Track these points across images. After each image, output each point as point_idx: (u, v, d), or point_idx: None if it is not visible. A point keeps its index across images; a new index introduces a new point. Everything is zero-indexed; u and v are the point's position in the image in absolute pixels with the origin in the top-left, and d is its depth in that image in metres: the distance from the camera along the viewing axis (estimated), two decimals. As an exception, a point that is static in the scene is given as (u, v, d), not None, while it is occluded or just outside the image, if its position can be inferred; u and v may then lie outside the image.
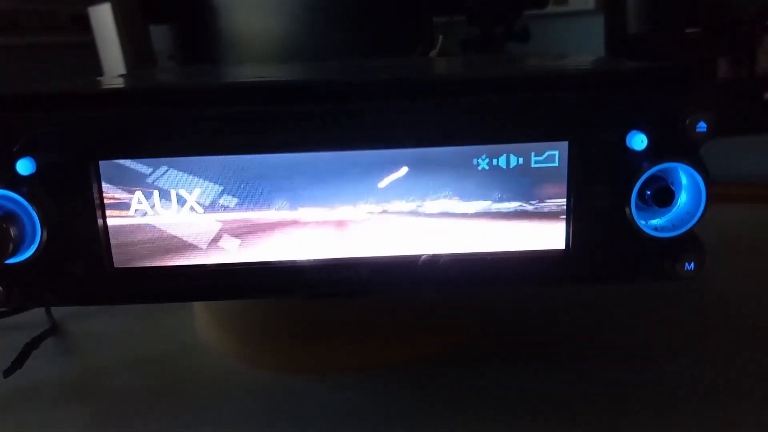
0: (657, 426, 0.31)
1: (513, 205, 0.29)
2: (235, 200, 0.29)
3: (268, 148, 0.28)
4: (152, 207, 0.28)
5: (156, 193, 0.28)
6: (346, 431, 0.32)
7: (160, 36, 0.75)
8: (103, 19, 0.73)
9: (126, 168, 0.28)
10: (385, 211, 0.29)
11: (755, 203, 0.66)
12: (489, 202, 0.29)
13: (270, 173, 0.28)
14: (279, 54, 0.68)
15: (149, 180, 0.28)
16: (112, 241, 0.29)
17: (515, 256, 0.29)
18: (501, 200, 0.29)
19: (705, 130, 0.27)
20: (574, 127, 0.28)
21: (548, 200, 0.29)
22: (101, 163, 0.28)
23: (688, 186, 0.28)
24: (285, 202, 0.29)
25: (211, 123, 0.28)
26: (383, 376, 0.36)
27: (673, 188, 0.27)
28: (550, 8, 0.86)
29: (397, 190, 0.29)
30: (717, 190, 0.28)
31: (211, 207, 0.29)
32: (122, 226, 0.28)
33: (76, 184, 0.28)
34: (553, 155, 0.28)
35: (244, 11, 0.70)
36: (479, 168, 0.28)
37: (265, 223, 0.29)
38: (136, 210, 0.28)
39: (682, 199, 0.28)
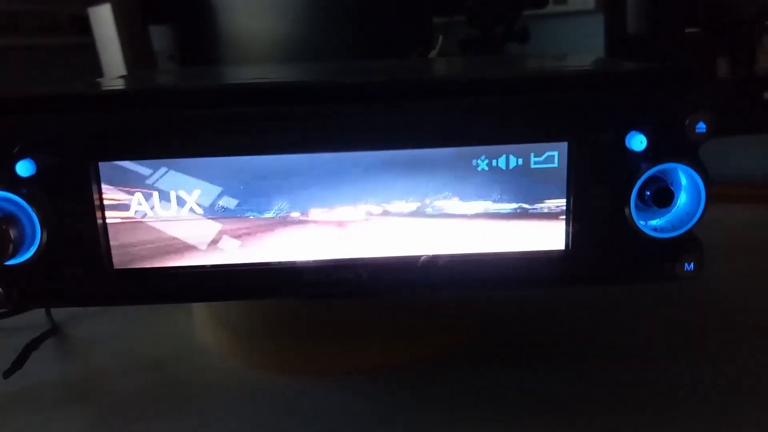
0: (657, 426, 0.31)
1: (512, 206, 0.29)
2: (235, 201, 0.29)
3: (268, 149, 0.28)
4: (152, 208, 0.28)
5: (156, 194, 0.28)
6: (346, 432, 0.32)
7: (160, 37, 0.75)
8: (103, 20, 0.73)
9: (126, 169, 0.28)
10: (384, 212, 0.29)
11: (755, 203, 0.66)
12: (488, 203, 0.29)
13: (269, 174, 0.28)
14: (279, 55, 0.68)
15: (149, 181, 0.28)
16: (112, 243, 0.29)
17: (515, 257, 0.29)
18: (500, 201, 0.29)
19: (704, 130, 0.27)
20: (574, 127, 0.28)
21: (548, 201, 0.29)
22: (101, 164, 0.28)
23: (687, 186, 0.28)
24: (285, 203, 0.29)
25: (210, 124, 0.28)
26: (383, 377, 0.36)
27: (672, 189, 0.27)
28: (550, 8, 0.86)
29: (396, 191, 0.29)
30: (716, 190, 0.28)
31: (211, 208, 0.29)
32: (122, 228, 0.28)
33: (75, 186, 0.28)
34: (552, 156, 0.28)
35: (244, 12, 0.70)
36: (479, 169, 0.28)
37: (265, 225, 0.29)
38: (135, 211, 0.28)
39: (682, 199, 0.28)
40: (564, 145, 0.28)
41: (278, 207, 0.29)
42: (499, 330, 0.41)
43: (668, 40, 0.76)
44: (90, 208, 0.28)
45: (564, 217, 0.29)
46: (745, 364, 0.36)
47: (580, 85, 0.28)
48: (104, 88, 0.32)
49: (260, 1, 0.69)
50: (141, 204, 0.28)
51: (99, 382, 0.38)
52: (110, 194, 0.28)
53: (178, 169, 0.28)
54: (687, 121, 0.27)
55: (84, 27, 0.78)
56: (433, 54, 0.62)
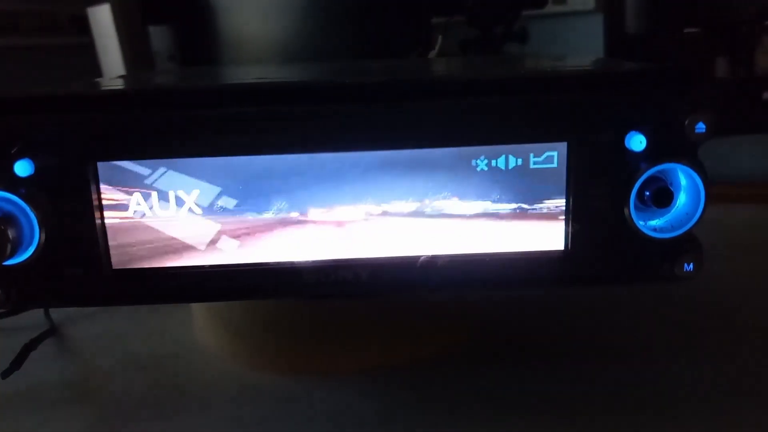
0: (657, 426, 0.31)
1: (512, 207, 0.29)
2: (234, 201, 0.29)
3: (267, 150, 0.28)
4: (151, 208, 0.28)
5: (154, 194, 0.28)
6: (345, 432, 0.32)
7: (159, 37, 0.75)
8: (103, 20, 0.73)
9: (124, 169, 0.28)
10: (384, 212, 0.29)
11: (754, 203, 0.66)
12: (488, 203, 0.29)
13: (269, 174, 0.28)
14: (278, 55, 0.68)
15: (148, 181, 0.28)
16: (111, 243, 0.29)
17: (514, 257, 0.29)
18: (500, 201, 0.29)
19: (704, 130, 0.27)
20: (573, 128, 0.28)
21: (547, 201, 0.29)
22: (99, 164, 0.28)
23: (687, 187, 0.28)
24: (284, 204, 0.29)
25: (209, 124, 0.28)
26: (383, 377, 0.36)
27: (672, 189, 0.27)
28: (549, 8, 0.86)
29: (396, 192, 0.29)
30: (716, 191, 0.28)
31: (210, 208, 0.29)
32: (121, 228, 0.28)
33: (74, 186, 0.28)
34: (551, 156, 0.28)
35: (243, 12, 0.70)
36: (478, 169, 0.28)
37: (264, 225, 0.29)
38: (134, 211, 0.28)
39: (681, 199, 0.28)
40: (563, 145, 0.28)
41: (277, 207, 0.29)
42: (499, 330, 0.41)
43: (667, 40, 0.76)
44: (89, 208, 0.28)
45: (563, 217, 0.29)
46: (744, 365, 0.36)
47: (580, 85, 0.28)
48: (103, 88, 0.32)
49: (259, 1, 0.69)
50: (140, 204, 0.28)
51: (98, 382, 0.38)
52: (109, 194, 0.28)
53: (176, 169, 0.28)
54: (686, 122, 0.27)
55: (83, 27, 0.78)
56: (432, 54, 0.62)
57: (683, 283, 0.29)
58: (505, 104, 0.28)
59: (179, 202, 0.28)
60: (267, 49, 0.69)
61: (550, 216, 0.29)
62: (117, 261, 0.29)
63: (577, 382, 0.35)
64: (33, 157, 0.27)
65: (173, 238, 0.29)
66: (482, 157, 0.28)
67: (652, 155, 0.28)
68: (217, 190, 0.28)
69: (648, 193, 0.28)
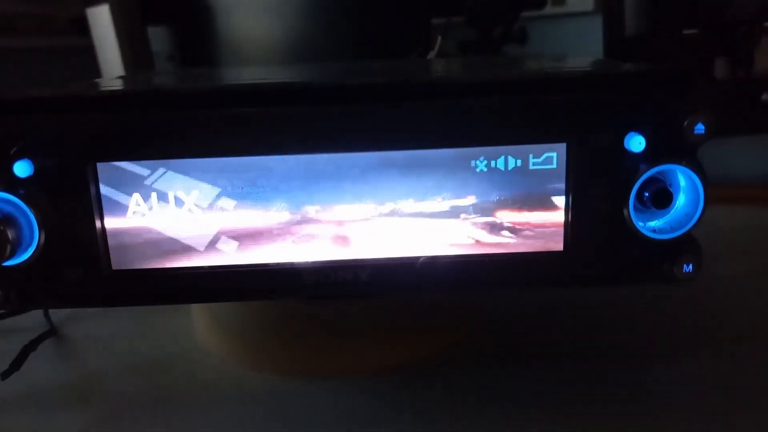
0: (657, 426, 0.31)
1: (511, 207, 0.29)
2: (234, 202, 0.29)
3: (266, 150, 0.28)
4: (150, 209, 0.28)
5: (154, 195, 0.28)
6: (344, 433, 0.32)
7: (158, 37, 0.75)
8: (102, 21, 0.73)
9: (124, 170, 0.28)
10: (383, 213, 0.29)
11: (754, 204, 0.67)
12: (487, 204, 0.29)
13: (268, 175, 0.28)
14: (277, 55, 0.68)
15: (147, 182, 0.28)
16: (110, 243, 0.29)
17: (513, 258, 0.29)
18: (499, 202, 0.29)
19: (703, 131, 0.27)
20: (572, 129, 0.28)
21: (546, 202, 0.29)
22: (99, 165, 0.28)
23: (686, 188, 0.28)
24: (283, 204, 0.29)
25: (209, 125, 0.28)
26: (383, 378, 0.36)
27: (671, 190, 0.27)
28: (549, 9, 0.86)
29: (395, 192, 0.29)
30: (715, 192, 0.28)
31: (209, 209, 0.29)
32: (120, 228, 0.28)
33: (73, 186, 0.28)
34: (551, 157, 0.28)
35: (243, 13, 0.70)
36: (477, 170, 0.28)
37: (263, 225, 0.29)
38: (134, 212, 0.28)
39: (681, 201, 0.28)
40: (563, 146, 0.28)
41: (277, 208, 0.29)
42: (499, 330, 0.41)
43: (667, 41, 0.76)
44: (88, 208, 0.28)
45: (562, 218, 0.29)
46: (744, 365, 0.36)
47: (579, 86, 0.28)
48: (102, 89, 0.32)
49: (259, 2, 0.69)
50: (139, 205, 0.28)
51: (97, 383, 0.38)
52: (108, 195, 0.28)
53: (176, 170, 0.28)
54: (686, 123, 0.27)
55: (82, 28, 0.78)
56: (431, 55, 0.62)
57: (682, 284, 0.29)
58: (504, 105, 0.28)
59: (179, 202, 0.28)
60: (266, 49, 0.69)
61: (550, 217, 0.29)
62: (116, 262, 0.29)
63: (577, 383, 0.35)
64: (32, 157, 0.27)
65: (173, 239, 0.29)
66: (481, 158, 0.28)
67: (651, 156, 0.28)
68: (216, 190, 0.28)
69: (647, 194, 0.28)
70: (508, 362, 0.37)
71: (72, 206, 0.28)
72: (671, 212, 0.29)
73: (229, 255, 0.29)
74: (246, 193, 0.28)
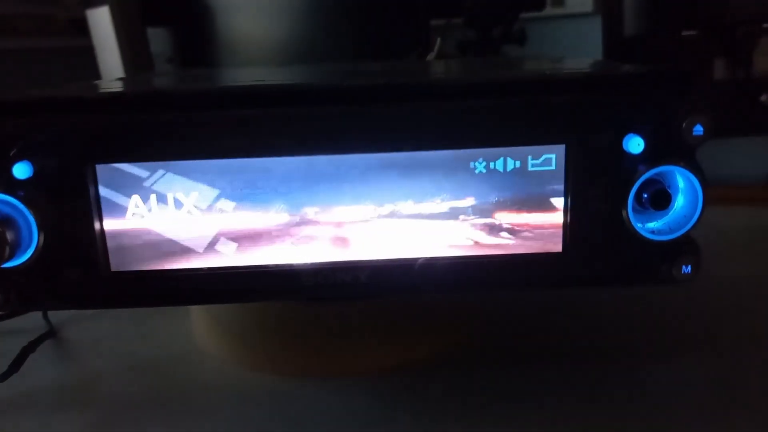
0: (657, 426, 0.31)
1: (510, 208, 0.29)
2: (233, 204, 0.29)
3: (266, 152, 0.28)
4: (149, 210, 0.28)
5: (153, 196, 0.28)
6: (343, 435, 0.32)
7: (158, 39, 0.75)
8: (101, 23, 0.73)
9: (123, 172, 0.28)
10: (382, 215, 0.29)
11: (752, 205, 0.67)
12: (486, 205, 0.29)
13: (267, 177, 0.28)
14: (276, 57, 0.68)
15: (146, 183, 0.28)
16: (109, 245, 0.29)
17: (512, 259, 0.29)
18: (498, 203, 0.29)
19: (701, 133, 0.27)
20: (571, 130, 0.28)
21: (545, 203, 0.29)
22: (98, 166, 0.28)
23: (684, 189, 0.28)
24: (282, 206, 0.29)
25: (208, 126, 0.28)
26: (382, 378, 0.36)
27: (669, 191, 0.27)
28: (548, 10, 0.86)
29: (394, 194, 0.29)
30: (714, 193, 0.28)
31: (209, 210, 0.29)
32: (119, 230, 0.28)
33: (73, 188, 0.28)
34: (550, 158, 0.28)
35: (242, 14, 0.70)
36: (476, 171, 0.28)
37: (262, 227, 0.29)
38: (133, 213, 0.28)
39: (679, 202, 0.28)
40: (561, 147, 0.28)
41: (276, 209, 0.29)
42: (498, 331, 0.42)
43: (666, 42, 0.76)
44: (87, 210, 0.28)
45: (561, 219, 0.29)
46: (744, 365, 0.36)
47: (578, 87, 0.28)
48: (102, 91, 0.32)
49: (258, 3, 0.69)
50: (138, 206, 0.28)
51: (96, 384, 0.38)
52: (108, 196, 0.28)
53: (175, 172, 0.28)
54: (684, 124, 0.27)
55: (82, 29, 0.78)
56: (431, 56, 0.62)
57: (682, 285, 0.29)
58: (503, 106, 0.28)
59: (178, 204, 0.28)
60: (266, 50, 0.69)
61: (549, 218, 0.29)
62: (116, 263, 0.29)
63: (577, 383, 0.35)
64: (32, 159, 0.27)
65: (172, 241, 0.29)
66: (480, 160, 0.28)
67: (650, 157, 0.28)
68: (215, 192, 0.28)
69: (646, 196, 0.28)
70: (508, 363, 0.37)
71: (71, 208, 0.28)
72: (670, 213, 0.29)
73: (229, 256, 0.29)
74: (245, 194, 0.28)
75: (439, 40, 0.62)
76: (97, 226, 0.28)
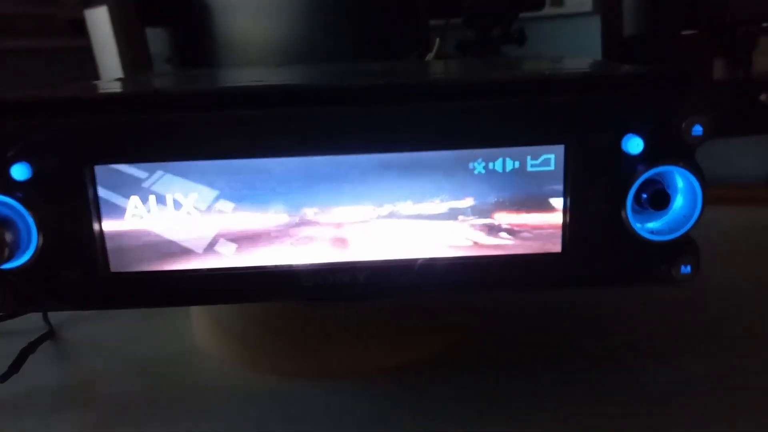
0: (657, 426, 0.31)
1: (509, 209, 0.29)
2: (232, 204, 0.29)
3: (265, 152, 0.28)
4: (148, 211, 0.28)
5: (152, 197, 0.28)
6: (343, 435, 0.32)
7: (156, 39, 0.75)
8: (100, 23, 0.73)
9: (122, 173, 0.28)
10: (381, 215, 0.29)
11: (752, 205, 0.67)
12: (485, 206, 0.29)
13: (266, 177, 0.28)
14: (276, 57, 0.68)
15: (145, 185, 0.28)
16: (109, 246, 0.29)
17: (512, 260, 0.29)
18: (497, 204, 0.29)
19: (701, 133, 0.27)
20: (570, 130, 0.28)
21: (544, 204, 0.29)
22: (97, 167, 0.28)
23: (684, 189, 0.28)
24: (281, 206, 0.29)
25: (207, 127, 0.28)
26: (382, 379, 0.36)
27: (669, 191, 0.27)
28: (547, 10, 0.86)
29: (394, 194, 0.29)
30: (713, 192, 0.28)
31: (208, 211, 0.29)
32: (118, 231, 0.28)
33: (72, 189, 0.28)
34: (549, 159, 0.28)
35: (241, 14, 0.70)
36: (475, 172, 0.28)
37: (262, 227, 0.29)
38: (132, 215, 0.28)
39: (678, 202, 0.28)
40: (560, 147, 0.28)
41: (275, 210, 0.29)
42: (497, 331, 0.41)
43: (665, 42, 0.76)
44: (86, 211, 0.28)
45: (560, 219, 0.29)
46: (744, 365, 0.36)
47: (577, 87, 0.28)
48: (101, 91, 0.32)
49: (258, 3, 0.69)
50: (137, 207, 0.28)
51: (96, 385, 0.38)
52: (106, 197, 0.28)
53: (174, 172, 0.28)
54: (683, 124, 0.27)
55: (81, 30, 0.78)
56: (430, 56, 0.62)
57: (681, 285, 0.29)
58: (502, 107, 0.28)
59: (177, 205, 0.28)
60: (265, 51, 0.69)
61: (548, 218, 0.29)
62: (115, 264, 0.29)
63: (577, 383, 0.35)
64: (30, 160, 0.27)
65: (171, 241, 0.29)
66: (479, 160, 0.28)
67: (649, 158, 0.28)
68: (215, 193, 0.28)
69: (645, 196, 0.28)
70: (508, 363, 0.37)
71: (70, 209, 0.28)
72: (669, 214, 0.29)
73: (228, 257, 0.29)
74: (244, 195, 0.28)
75: (438, 40, 0.62)
76: (96, 227, 0.28)
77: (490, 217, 0.29)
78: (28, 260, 0.28)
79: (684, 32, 0.75)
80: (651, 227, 0.29)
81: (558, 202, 0.29)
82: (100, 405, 0.35)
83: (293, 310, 0.38)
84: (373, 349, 0.38)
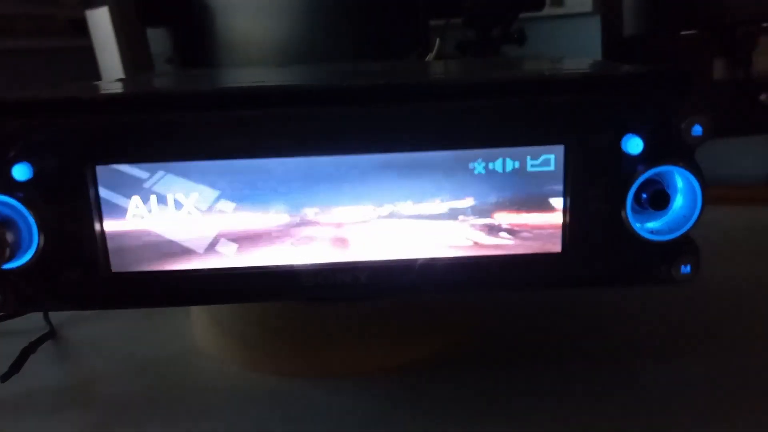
0: (657, 426, 0.31)
1: (509, 209, 0.29)
2: (233, 205, 0.29)
3: (266, 153, 0.28)
4: (149, 212, 0.28)
5: (153, 197, 0.28)
6: (343, 435, 0.32)
7: (157, 39, 0.75)
8: (101, 23, 0.73)
9: (123, 173, 0.28)
10: (381, 215, 0.29)
11: (752, 205, 0.67)
12: (485, 206, 0.29)
13: (267, 177, 0.28)
14: (276, 57, 0.69)
15: (146, 185, 0.28)
16: (110, 246, 0.29)
17: (512, 260, 0.29)
18: (497, 204, 0.29)
19: (700, 133, 0.27)
20: (570, 130, 0.28)
21: (544, 204, 0.29)
22: (98, 167, 0.28)
23: (683, 189, 0.28)
24: (282, 206, 0.29)
25: (208, 127, 0.28)
26: (382, 379, 0.36)
27: (668, 191, 0.27)
28: (547, 10, 0.86)
29: (394, 194, 0.29)
30: (713, 192, 0.28)
31: (209, 211, 0.29)
32: (119, 231, 0.28)
33: (73, 189, 0.28)
34: (548, 159, 0.28)
35: (242, 14, 0.70)
36: (475, 172, 0.28)
37: (262, 227, 0.29)
38: (133, 215, 0.28)
39: (678, 202, 0.28)
40: (560, 148, 0.28)
41: (276, 210, 0.29)
42: (497, 331, 0.42)
43: (665, 42, 0.76)
44: (87, 211, 0.28)
45: (560, 219, 0.29)
46: (744, 365, 0.36)
47: (577, 87, 0.28)
48: (102, 91, 0.32)
49: (258, 3, 0.69)
50: (138, 207, 0.28)
51: (97, 385, 0.38)
52: (108, 198, 0.28)
53: (175, 173, 0.28)
54: (683, 124, 0.27)
55: (82, 30, 0.78)
56: (430, 57, 0.62)
57: (681, 285, 0.29)
58: (502, 107, 0.28)
59: (178, 205, 0.28)
60: (265, 51, 0.69)
61: (547, 218, 0.29)
62: (116, 264, 0.29)
63: (576, 383, 0.35)
64: (31, 160, 0.27)
65: (172, 242, 0.29)
66: (479, 160, 0.28)
67: (648, 158, 0.28)
68: (215, 193, 0.28)
69: (645, 196, 0.28)
70: (508, 363, 0.37)
71: (71, 209, 0.28)
72: (669, 214, 0.29)
73: (229, 257, 0.29)
74: (245, 195, 0.28)
75: (438, 40, 0.62)
76: (97, 227, 0.28)
77: (490, 217, 0.29)
78: (29, 260, 0.28)
79: (684, 32, 0.75)
80: (651, 227, 0.29)
81: (558, 202, 0.29)
82: (100, 405, 0.36)
83: (293, 310, 0.38)
84: (373, 349, 0.38)
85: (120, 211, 0.28)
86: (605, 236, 0.29)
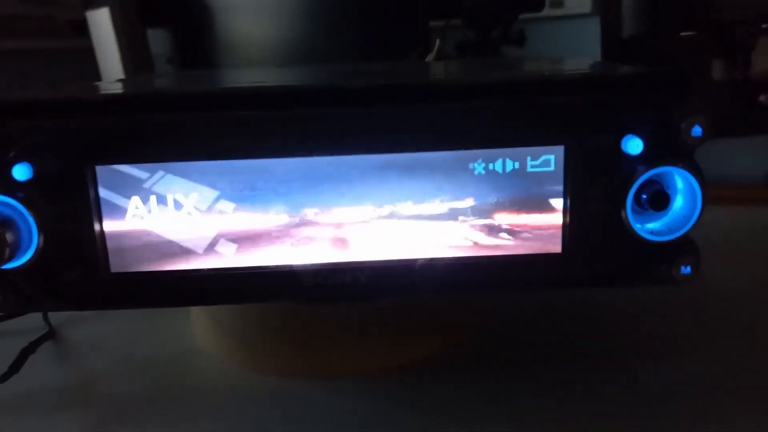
0: (656, 426, 0.31)
1: (509, 209, 0.29)
2: (232, 205, 0.29)
3: (265, 153, 0.28)
4: (149, 212, 0.28)
5: (153, 197, 0.28)
6: (343, 435, 0.32)
7: (158, 40, 0.75)
8: (102, 24, 0.73)
9: (123, 173, 0.28)
10: (381, 216, 0.29)
11: (751, 205, 0.67)
12: (485, 206, 0.29)
13: (267, 178, 0.28)
14: (276, 57, 0.69)
15: (146, 185, 0.28)
16: (109, 246, 0.29)
17: (512, 260, 0.29)
18: (497, 204, 0.29)
19: (700, 134, 0.27)
20: (570, 131, 0.28)
21: (544, 204, 0.29)
22: (98, 168, 0.28)
23: (683, 190, 0.28)
24: (282, 207, 0.29)
25: (208, 128, 0.28)
26: (382, 379, 0.36)
27: (668, 192, 0.27)
28: (547, 11, 0.86)
29: (394, 195, 0.29)
30: (713, 193, 0.28)
31: (208, 212, 0.29)
32: (119, 231, 0.28)
33: (73, 189, 0.28)
34: (548, 159, 0.28)
35: (242, 15, 0.70)
36: (475, 172, 0.28)
37: (262, 228, 0.29)
38: (133, 215, 0.28)
39: (678, 202, 0.29)
40: (560, 148, 0.28)
41: (276, 210, 0.29)
42: (497, 331, 0.42)
43: (664, 43, 0.76)
44: (87, 211, 0.28)
45: (560, 220, 0.29)
46: (744, 365, 0.36)
47: (577, 88, 0.28)
48: (102, 92, 0.32)
49: (258, 3, 0.69)
50: (138, 207, 0.28)
51: (97, 385, 0.38)
52: (107, 198, 0.28)
53: (175, 173, 0.28)
54: (683, 125, 0.27)
55: (82, 30, 0.78)
56: (430, 57, 0.62)
57: (681, 285, 0.29)
58: (502, 107, 0.28)
59: (178, 205, 0.28)
60: (266, 51, 0.69)
61: (548, 219, 0.29)
62: (115, 264, 0.29)
63: (576, 383, 0.35)
64: (31, 160, 0.27)
65: (172, 242, 0.29)
66: (479, 161, 0.28)
67: (648, 158, 0.28)
68: (215, 193, 0.28)
69: (645, 196, 0.28)
70: (508, 363, 0.37)
71: (71, 209, 0.28)
72: (669, 214, 0.29)
73: (228, 258, 0.29)
74: (245, 195, 0.28)
75: (438, 41, 0.62)
76: (97, 227, 0.28)
77: (490, 218, 0.29)
78: (29, 260, 0.28)
79: (683, 33, 0.75)
80: (651, 228, 0.29)
81: (558, 203, 0.29)
82: (100, 405, 0.36)
83: (293, 310, 0.38)
84: (373, 349, 0.38)
85: (120, 212, 0.28)
86: (605, 237, 0.29)
